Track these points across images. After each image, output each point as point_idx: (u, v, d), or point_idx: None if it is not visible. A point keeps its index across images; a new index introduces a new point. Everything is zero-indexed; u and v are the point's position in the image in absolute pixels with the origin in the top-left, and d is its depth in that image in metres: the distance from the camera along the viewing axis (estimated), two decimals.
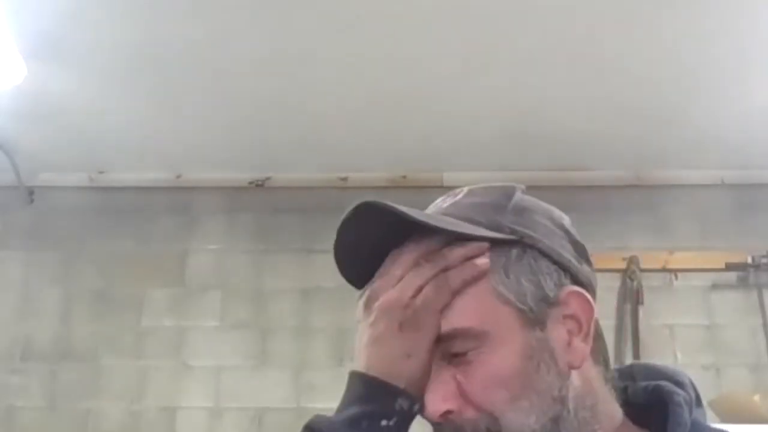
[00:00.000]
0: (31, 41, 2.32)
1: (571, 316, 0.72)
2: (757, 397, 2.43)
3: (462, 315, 0.70)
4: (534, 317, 0.70)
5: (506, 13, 2.22)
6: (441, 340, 0.70)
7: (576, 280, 0.74)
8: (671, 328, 2.89)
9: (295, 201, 3.12)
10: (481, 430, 0.68)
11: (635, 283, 2.87)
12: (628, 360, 2.74)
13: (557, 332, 0.71)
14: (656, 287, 2.93)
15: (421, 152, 2.98)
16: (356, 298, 0.76)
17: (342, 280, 0.77)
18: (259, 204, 3.14)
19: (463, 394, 0.69)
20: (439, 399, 0.69)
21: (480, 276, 0.70)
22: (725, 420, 2.22)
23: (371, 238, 0.73)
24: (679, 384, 0.76)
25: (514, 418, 0.68)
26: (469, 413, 0.69)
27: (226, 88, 2.60)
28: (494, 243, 0.71)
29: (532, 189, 0.78)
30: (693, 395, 0.76)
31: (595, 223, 2.94)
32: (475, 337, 0.69)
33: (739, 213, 3.04)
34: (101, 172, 3.17)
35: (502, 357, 0.69)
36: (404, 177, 3.11)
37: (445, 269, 0.70)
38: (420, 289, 0.70)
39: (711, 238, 2.99)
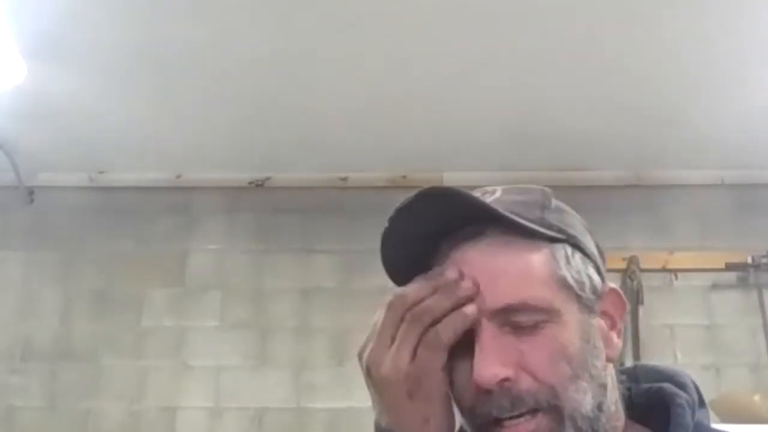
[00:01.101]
0: (31, 41, 2.32)
1: (607, 312, 0.75)
2: (757, 397, 2.43)
3: (532, 290, 0.69)
4: (590, 305, 0.72)
5: (506, 13, 2.22)
6: (505, 310, 0.69)
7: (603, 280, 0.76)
8: (671, 328, 2.89)
9: (295, 201, 3.12)
10: (541, 402, 0.68)
11: (635, 283, 2.86)
12: (628, 360, 2.73)
13: (600, 324, 0.74)
14: (656, 287, 2.93)
15: (421, 152, 2.98)
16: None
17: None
18: (259, 204, 3.14)
19: (523, 365, 0.68)
20: (497, 364, 0.67)
21: (468, 323, 0.68)
22: (725, 420, 2.22)
23: (423, 229, 0.72)
24: (680, 386, 0.76)
25: (574, 395, 0.68)
26: (527, 384, 0.68)
27: (226, 88, 2.60)
28: (551, 240, 0.72)
29: None
30: (695, 397, 0.76)
31: (595, 223, 2.87)
32: (546, 311, 0.69)
33: (739, 213, 3.03)
34: (101, 172, 3.17)
35: (569, 334, 0.70)
36: (404, 177, 3.11)
37: (433, 324, 0.69)
38: (414, 352, 0.69)
39: (711, 238, 2.99)
